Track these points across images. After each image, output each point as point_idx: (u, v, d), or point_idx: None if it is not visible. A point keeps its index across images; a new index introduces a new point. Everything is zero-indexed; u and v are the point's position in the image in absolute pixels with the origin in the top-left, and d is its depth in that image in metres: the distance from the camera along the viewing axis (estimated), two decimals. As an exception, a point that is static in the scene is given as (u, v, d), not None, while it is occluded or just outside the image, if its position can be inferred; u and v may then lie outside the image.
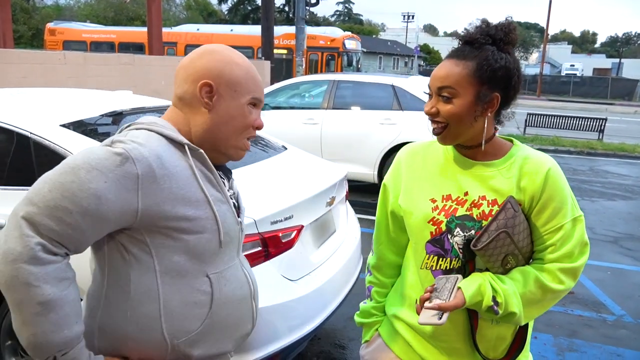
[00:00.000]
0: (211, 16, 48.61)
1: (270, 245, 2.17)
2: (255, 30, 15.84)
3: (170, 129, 1.16)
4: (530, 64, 49.28)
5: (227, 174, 1.34)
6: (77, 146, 2.23)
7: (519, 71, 1.25)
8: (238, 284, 1.25)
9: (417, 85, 6.45)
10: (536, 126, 12.87)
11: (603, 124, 12.39)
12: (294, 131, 6.41)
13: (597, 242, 5.31)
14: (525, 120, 12.97)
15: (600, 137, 12.35)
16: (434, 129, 1.27)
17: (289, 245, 2.27)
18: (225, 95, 1.18)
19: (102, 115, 2.62)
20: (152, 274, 1.11)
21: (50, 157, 2.24)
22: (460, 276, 1.22)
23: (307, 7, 13.43)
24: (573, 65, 47.08)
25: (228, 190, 1.27)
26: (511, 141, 1.34)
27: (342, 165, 3.26)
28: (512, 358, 1.32)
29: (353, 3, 60.43)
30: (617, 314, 3.68)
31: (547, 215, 1.23)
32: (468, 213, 1.25)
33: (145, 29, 12.95)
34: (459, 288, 1.18)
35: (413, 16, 58.26)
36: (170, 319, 1.13)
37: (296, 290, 2.25)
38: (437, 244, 1.27)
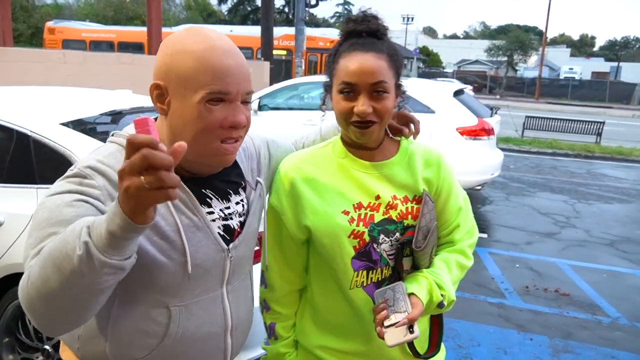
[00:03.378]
0: (211, 16, 48.60)
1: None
2: (255, 30, 15.84)
3: None
4: (528, 67, 49.32)
5: (234, 186, 1.13)
6: (76, 145, 2.24)
7: None
8: (207, 320, 1.09)
9: (416, 87, 6.47)
10: (534, 129, 12.90)
11: (601, 127, 12.43)
12: (293, 132, 6.41)
13: (593, 244, 5.33)
14: (524, 123, 13.00)
15: (598, 140, 12.39)
16: (360, 127, 1.14)
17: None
18: (176, 95, 0.98)
19: (102, 114, 2.63)
20: (112, 294, 0.97)
21: (49, 156, 2.25)
22: (401, 282, 1.15)
23: (307, 9, 13.43)
24: (572, 69, 47.19)
25: (225, 209, 1.09)
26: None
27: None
28: (437, 347, 1.28)
29: (352, 5, 60.49)
30: (613, 316, 3.70)
31: (448, 199, 1.27)
32: (386, 217, 1.19)
33: (144, 29, 12.94)
34: (410, 294, 1.12)
35: (412, 18, 58.30)
36: (115, 341, 1.04)
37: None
38: (364, 257, 1.18)
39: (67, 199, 0.91)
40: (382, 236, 1.19)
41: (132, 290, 1.02)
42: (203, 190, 1.07)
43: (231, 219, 1.11)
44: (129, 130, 1.07)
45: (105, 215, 0.78)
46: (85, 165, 0.97)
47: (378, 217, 1.19)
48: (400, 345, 1.08)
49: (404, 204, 1.21)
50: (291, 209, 1.22)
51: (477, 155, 6.12)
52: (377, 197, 1.20)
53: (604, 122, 12.69)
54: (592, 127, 12.51)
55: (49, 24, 20.37)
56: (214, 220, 1.08)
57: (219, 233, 1.08)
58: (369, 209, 1.19)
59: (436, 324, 1.30)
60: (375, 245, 1.18)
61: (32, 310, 0.85)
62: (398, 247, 1.19)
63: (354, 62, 1.12)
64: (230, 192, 1.13)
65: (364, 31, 1.16)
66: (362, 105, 1.12)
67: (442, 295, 1.17)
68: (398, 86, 1.19)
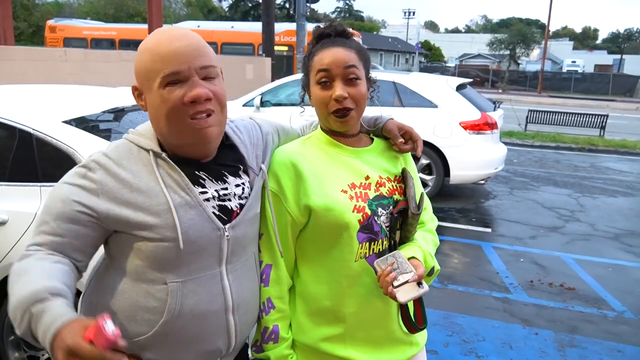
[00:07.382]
0: (211, 13, 48.52)
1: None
2: (256, 27, 15.79)
3: (140, 134, 1.16)
4: (531, 61, 49.07)
5: (231, 169, 1.21)
6: (79, 142, 2.24)
7: None
8: (205, 297, 1.15)
9: (418, 82, 6.44)
10: (537, 123, 12.85)
11: (604, 120, 12.36)
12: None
13: (598, 238, 5.31)
14: (527, 117, 12.95)
15: (602, 133, 12.32)
16: (339, 116, 1.27)
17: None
18: (145, 89, 1.12)
19: (104, 112, 2.62)
20: (118, 271, 1.15)
21: (52, 154, 2.25)
22: (399, 251, 1.25)
23: (308, 4, 13.39)
24: (574, 62, 46.88)
25: (221, 190, 1.17)
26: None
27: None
28: (424, 321, 1.34)
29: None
30: (618, 310, 3.69)
31: (415, 182, 1.40)
32: (378, 193, 1.31)
33: (145, 26, 12.93)
34: (410, 258, 1.24)
35: (414, 13, 58.10)
36: (120, 316, 1.13)
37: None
38: (367, 229, 1.28)
39: (71, 198, 1.08)
40: (379, 209, 1.30)
41: (133, 269, 1.13)
42: (196, 172, 1.16)
43: (229, 200, 1.18)
44: (141, 128, 1.18)
45: (47, 322, 0.91)
46: (92, 158, 1.13)
47: (371, 194, 1.31)
48: (411, 301, 1.18)
49: (389, 182, 1.35)
50: (291, 192, 1.27)
51: (481, 150, 6.10)
52: (367, 177, 1.32)
53: (607, 115, 12.61)
54: (595, 120, 12.44)
55: (50, 22, 20.35)
56: (207, 200, 1.15)
57: (214, 213, 1.15)
58: (361, 187, 1.30)
59: (417, 301, 1.34)
60: (375, 218, 1.29)
61: None
62: (394, 218, 1.31)
63: (327, 55, 1.26)
64: (226, 174, 1.20)
65: (332, 32, 1.31)
66: (338, 90, 1.24)
67: None
68: (368, 79, 1.33)
